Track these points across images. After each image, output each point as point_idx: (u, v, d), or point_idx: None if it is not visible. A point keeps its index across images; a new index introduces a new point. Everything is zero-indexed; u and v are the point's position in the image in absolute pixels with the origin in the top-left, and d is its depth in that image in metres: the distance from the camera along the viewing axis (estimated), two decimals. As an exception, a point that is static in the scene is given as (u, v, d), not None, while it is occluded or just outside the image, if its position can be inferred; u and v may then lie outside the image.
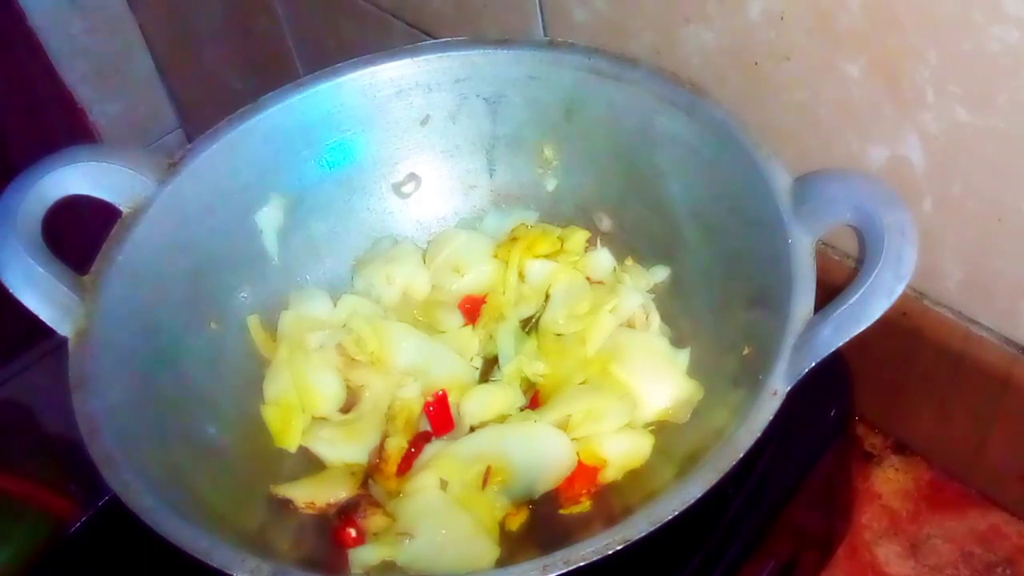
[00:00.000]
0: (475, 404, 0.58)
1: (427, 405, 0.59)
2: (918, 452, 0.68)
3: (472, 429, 0.57)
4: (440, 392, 0.59)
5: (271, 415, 0.59)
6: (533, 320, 0.61)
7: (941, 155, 0.53)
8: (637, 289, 0.60)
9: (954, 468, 0.66)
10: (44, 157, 0.56)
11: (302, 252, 0.65)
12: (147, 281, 0.56)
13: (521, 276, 0.63)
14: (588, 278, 0.62)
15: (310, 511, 0.55)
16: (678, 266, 0.61)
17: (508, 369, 0.59)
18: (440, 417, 0.58)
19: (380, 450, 0.57)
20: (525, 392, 0.59)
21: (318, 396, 0.59)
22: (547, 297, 0.62)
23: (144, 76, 1.18)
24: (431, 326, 0.63)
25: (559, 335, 0.60)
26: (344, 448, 0.58)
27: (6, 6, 1.02)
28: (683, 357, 0.58)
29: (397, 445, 0.57)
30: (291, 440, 0.58)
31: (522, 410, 0.58)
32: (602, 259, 0.63)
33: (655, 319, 0.60)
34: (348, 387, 0.60)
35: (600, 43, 0.60)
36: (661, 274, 0.62)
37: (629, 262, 0.63)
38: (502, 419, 0.57)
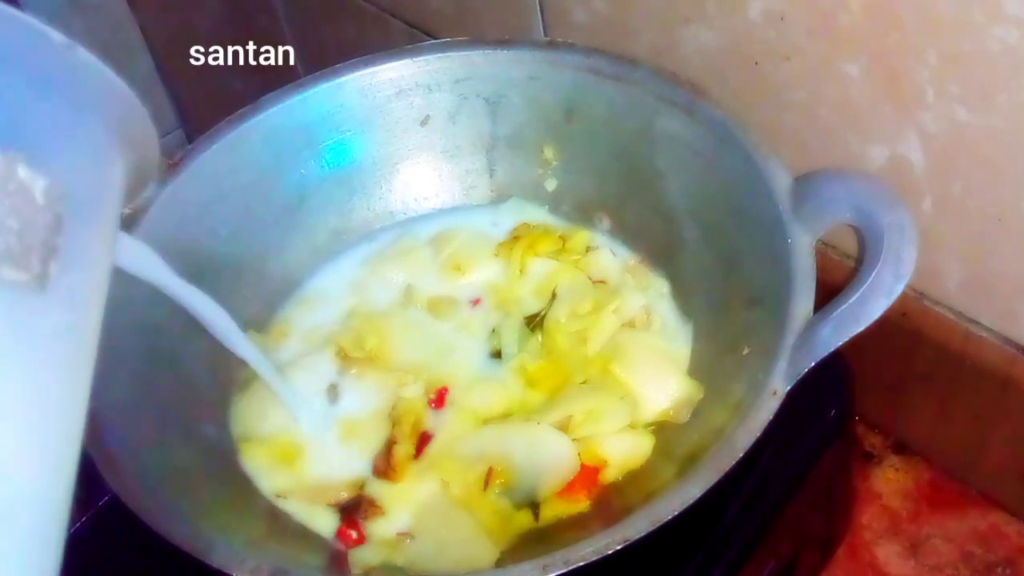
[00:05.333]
0: (477, 400, 0.58)
1: (429, 404, 0.58)
2: (918, 452, 0.68)
3: (473, 427, 0.57)
4: (442, 389, 0.59)
5: (256, 455, 0.56)
6: (538, 318, 0.61)
7: (941, 155, 0.53)
8: (639, 288, 0.60)
9: (954, 468, 0.66)
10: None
11: (302, 252, 0.65)
12: (147, 281, 0.56)
13: (523, 274, 0.63)
14: (589, 278, 0.62)
15: (310, 511, 0.55)
16: (678, 266, 0.61)
17: (510, 366, 0.59)
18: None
19: (384, 455, 0.56)
20: (527, 388, 0.59)
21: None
22: (553, 296, 0.62)
23: (144, 76, 1.17)
24: (433, 323, 0.63)
25: (561, 334, 0.60)
26: (345, 449, 0.57)
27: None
28: (683, 357, 0.58)
29: (405, 452, 0.56)
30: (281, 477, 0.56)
31: (524, 407, 0.57)
32: (603, 259, 0.63)
33: (656, 319, 0.60)
34: (348, 386, 0.60)
35: (600, 43, 0.60)
36: (662, 287, 0.61)
37: (632, 262, 0.63)
38: (504, 415, 0.57)
